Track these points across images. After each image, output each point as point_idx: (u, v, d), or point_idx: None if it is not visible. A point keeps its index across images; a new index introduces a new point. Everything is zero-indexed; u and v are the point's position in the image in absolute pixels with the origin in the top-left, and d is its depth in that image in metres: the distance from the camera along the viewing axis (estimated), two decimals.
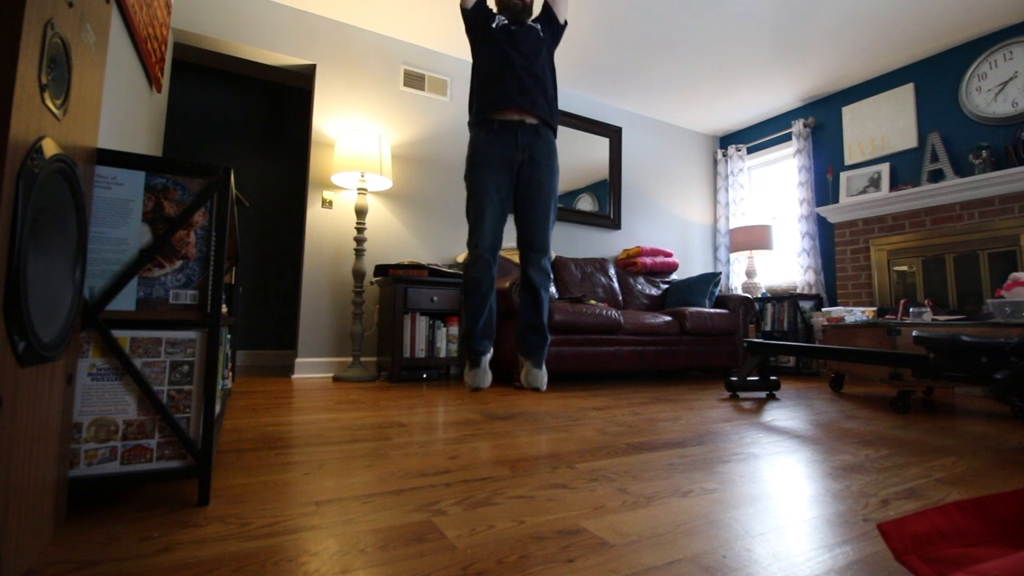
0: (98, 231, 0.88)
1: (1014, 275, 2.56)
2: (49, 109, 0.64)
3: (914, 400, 2.62)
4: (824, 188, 4.10)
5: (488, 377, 1.96)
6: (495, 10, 2.11)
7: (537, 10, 2.40)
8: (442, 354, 3.04)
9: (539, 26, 2.07)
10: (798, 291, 4.10)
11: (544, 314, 1.99)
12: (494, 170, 1.93)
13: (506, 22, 2.03)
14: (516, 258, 3.35)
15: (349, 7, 3.14)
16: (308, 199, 3.17)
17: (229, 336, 1.93)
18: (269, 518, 0.88)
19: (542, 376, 1.97)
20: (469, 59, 3.73)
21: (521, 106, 1.94)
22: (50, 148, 0.64)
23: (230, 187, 1.00)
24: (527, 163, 1.96)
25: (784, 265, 4.50)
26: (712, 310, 3.49)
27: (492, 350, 2.02)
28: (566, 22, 2.14)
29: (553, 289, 3.59)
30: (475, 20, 2.02)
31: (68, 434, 0.81)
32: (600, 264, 3.84)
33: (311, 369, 3.07)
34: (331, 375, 3.09)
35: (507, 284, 2.84)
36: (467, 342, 1.97)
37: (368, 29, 3.37)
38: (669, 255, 4.17)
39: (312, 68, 3.23)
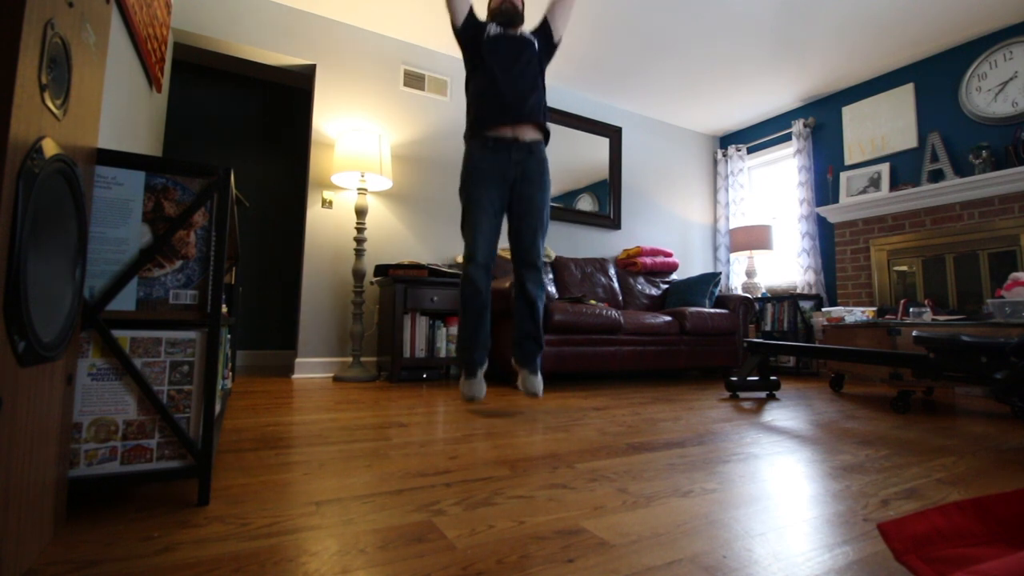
0: (98, 231, 0.88)
1: (1014, 275, 2.56)
2: (49, 109, 0.64)
3: (914, 400, 2.62)
4: (824, 188, 4.10)
5: (483, 388, 2.00)
6: (487, 19, 2.12)
7: (532, 16, 2.40)
8: (442, 354, 3.04)
9: (534, 40, 2.08)
10: (798, 291, 4.10)
11: (540, 323, 2.04)
12: (489, 185, 1.98)
13: (499, 33, 2.04)
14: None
15: (349, 7, 3.14)
16: (308, 199, 3.17)
17: (229, 336, 1.93)
18: (269, 518, 0.88)
19: (539, 382, 2.02)
20: None
21: (515, 121, 1.98)
22: (50, 148, 0.64)
23: (230, 187, 1.00)
24: (520, 179, 2.01)
25: (784, 265, 4.50)
26: (712, 310, 3.48)
27: (487, 362, 2.06)
28: (560, 40, 2.15)
29: (553, 289, 3.59)
30: (466, 36, 2.04)
31: (68, 434, 0.81)
32: (600, 264, 3.84)
33: (311, 369, 3.07)
34: (331, 375, 3.09)
35: (506, 284, 2.84)
36: (464, 353, 2.01)
37: (368, 29, 3.37)
38: (669, 255, 4.17)
39: (312, 68, 3.23)
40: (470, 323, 1.98)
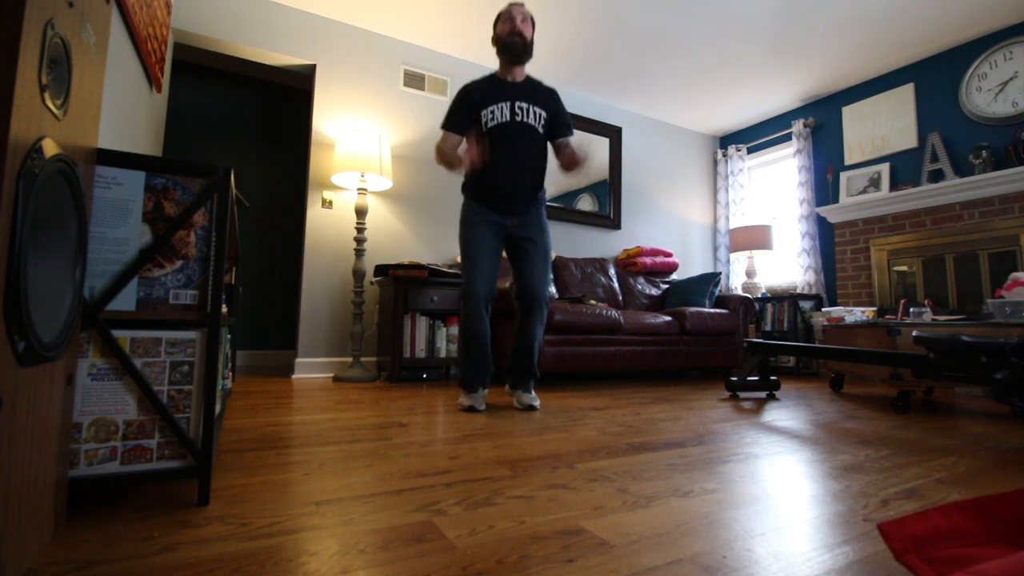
0: (98, 231, 0.88)
1: (1014, 275, 2.56)
2: (49, 109, 0.64)
3: (914, 400, 2.62)
4: (824, 188, 4.10)
5: (482, 403, 2.03)
6: (493, 44, 2.06)
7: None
8: (442, 354, 3.04)
9: (540, 126, 2.04)
10: (798, 291, 4.10)
11: (535, 356, 2.11)
12: (485, 233, 2.03)
13: (505, 122, 2.00)
14: None
15: (349, 7, 3.14)
16: (308, 199, 3.17)
17: (229, 336, 1.93)
18: (269, 518, 0.88)
19: (533, 396, 2.07)
20: (469, 59, 3.73)
21: (511, 211, 2.05)
22: (50, 148, 0.64)
23: (230, 187, 1.00)
24: (518, 228, 2.07)
25: (784, 265, 4.50)
26: (712, 310, 3.48)
27: (488, 386, 2.11)
28: (568, 143, 2.11)
29: (553, 289, 3.59)
30: (467, 126, 2.02)
31: (68, 434, 0.81)
32: (600, 264, 3.84)
33: (311, 369, 3.07)
34: (331, 375, 3.09)
35: (507, 284, 2.84)
36: (466, 379, 2.04)
37: (368, 29, 3.37)
38: (669, 255, 4.17)
39: (312, 68, 3.23)
40: (472, 354, 2.02)
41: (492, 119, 1.99)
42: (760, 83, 3.99)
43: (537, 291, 2.04)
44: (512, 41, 1.97)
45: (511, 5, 2.01)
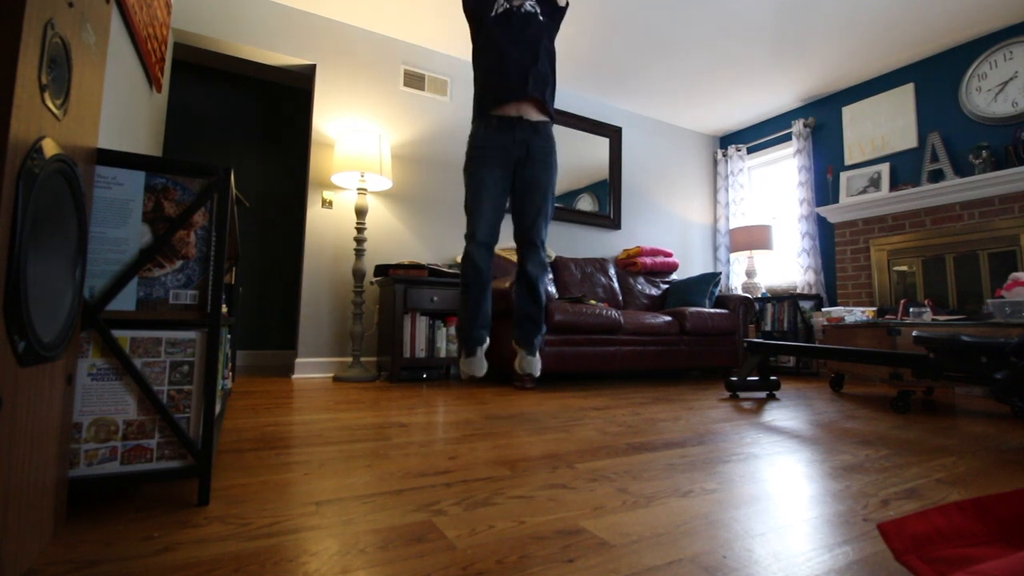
0: (98, 231, 0.88)
1: (1014, 275, 2.56)
2: (49, 109, 0.64)
3: (914, 400, 2.62)
4: (824, 188, 4.10)
5: (484, 365, 1.97)
6: None
7: None
8: (442, 354, 3.04)
9: (538, 10, 2.02)
10: (798, 291, 4.10)
11: (541, 304, 2.01)
12: (492, 164, 1.95)
13: (507, 8, 1.98)
14: (515, 257, 3.34)
15: (349, 7, 3.14)
16: (308, 199, 3.17)
17: (229, 336, 1.93)
18: (269, 518, 0.88)
19: (536, 363, 2.01)
20: (469, 59, 3.73)
21: (519, 98, 1.94)
22: (50, 148, 0.64)
23: (230, 187, 1.00)
24: (525, 159, 1.98)
25: (784, 265, 4.50)
26: (712, 310, 3.48)
27: (488, 340, 2.03)
28: (568, 3, 2.08)
29: (553, 289, 3.58)
30: (474, 9, 2.01)
31: (68, 434, 0.81)
32: (600, 264, 3.84)
33: (311, 369, 3.07)
34: (331, 375, 3.09)
35: (506, 284, 2.84)
36: (465, 332, 1.99)
37: (368, 29, 3.37)
38: (669, 255, 4.17)
39: (312, 68, 3.23)
40: (471, 300, 1.97)
41: (498, 9, 1.99)
42: (760, 83, 3.99)
43: (535, 234, 1.97)
44: None
45: None
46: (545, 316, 2.12)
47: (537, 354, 2.04)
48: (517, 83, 1.93)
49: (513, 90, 1.93)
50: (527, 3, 2.03)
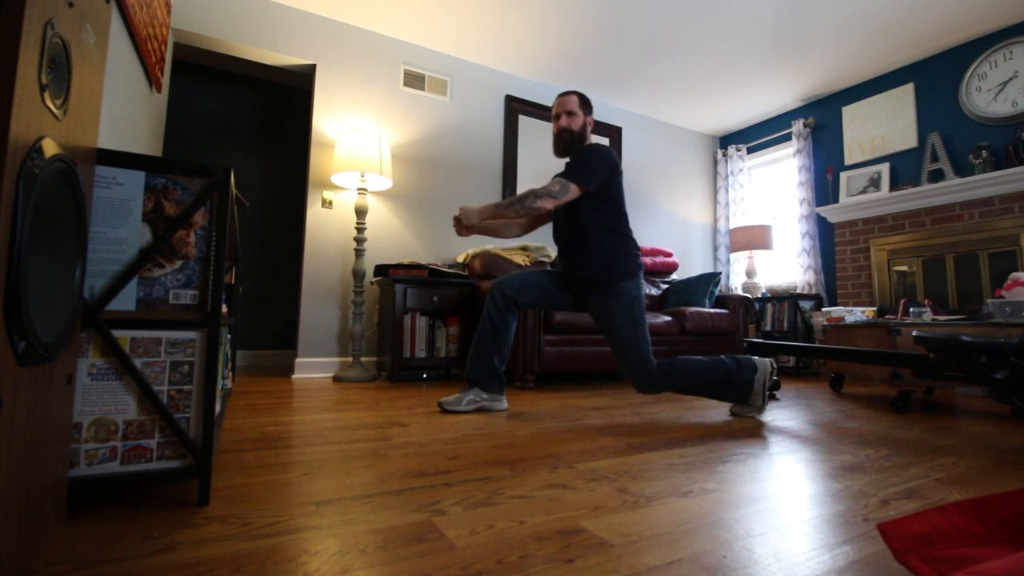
0: (98, 231, 0.88)
1: (1014, 275, 2.56)
2: (49, 109, 0.64)
3: (914, 400, 2.61)
4: (824, 188, 4.10)
5: (469, 406, 2.00)
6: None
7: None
8: (442, 354, 3.04)
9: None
10: (798, 291, 4.10)
11: (696, 373, 1.94)
12: (545, 273, 2.08)
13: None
14: (515, 257, 3.35)
15: (349, 7, 3.14)
16: (308, 199, 3.17)
17: (229, 336, 1.93)
18: (269, 518, 0.88)
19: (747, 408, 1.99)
20: (469, 59, 3.73)
21: (568, 271, 2.06)
22: (50, 148, 0.64)
23: (230, 187, 1.00)
24: (586, 299, 2.03)
25: (784, 265, 4.50)
26: (712, 310, 3.48)
27: (480, 387, 2.01)
28: (588, 191, 1.93)
29: None
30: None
31: (68, 434, 0.81)
32: None
33: (311, 369, 3.07)
34: (331, 375, 3.09)
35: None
36: (465, 372, 2.06)
37: (368, 29, 3.37)
38: (669, 255, 4.17)
39: (312, 68, 3.23)
40: (473, 344, 2.03)
41: None
42: (760, 83, 3.99)
43: (624, 364, 1.89)
44: (560, 136, 2.06)
45: (557, 98, 2.09)
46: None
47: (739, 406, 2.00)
48: (563, 261, 2.11)
49: (564, 264, 2.12)
50: (576, 149, 2.14)
